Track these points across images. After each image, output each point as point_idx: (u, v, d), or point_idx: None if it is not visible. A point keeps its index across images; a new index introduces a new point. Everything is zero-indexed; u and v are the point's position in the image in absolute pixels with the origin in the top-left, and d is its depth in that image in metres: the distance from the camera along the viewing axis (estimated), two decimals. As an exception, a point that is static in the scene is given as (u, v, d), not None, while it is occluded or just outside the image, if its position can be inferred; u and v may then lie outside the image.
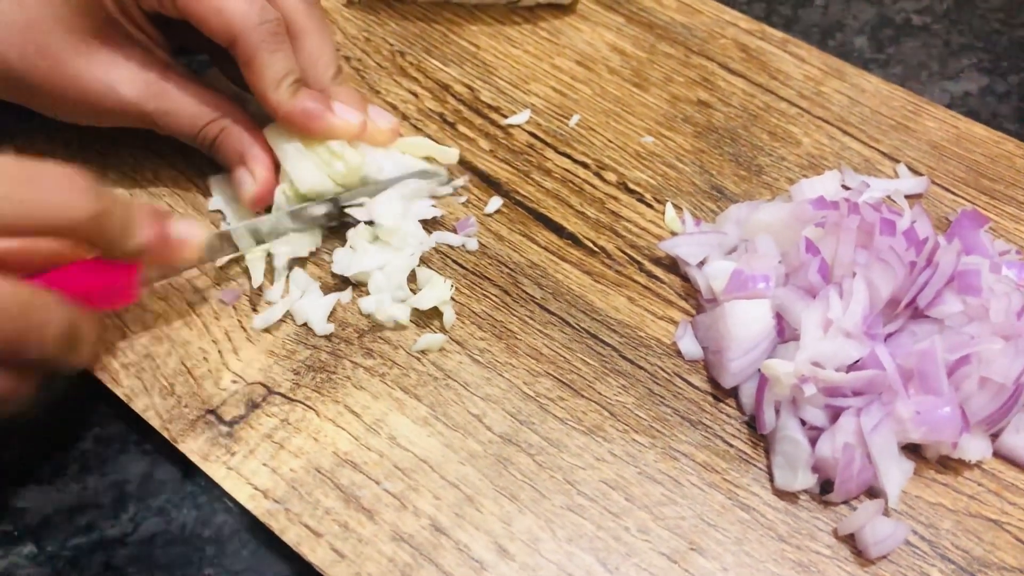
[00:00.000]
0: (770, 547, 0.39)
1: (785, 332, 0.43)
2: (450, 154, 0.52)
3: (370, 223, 0.47)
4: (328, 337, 0.45)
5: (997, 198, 0.53)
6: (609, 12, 0.62)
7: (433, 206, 0.49)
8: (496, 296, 0.47)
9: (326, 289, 0.47)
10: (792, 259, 0.44)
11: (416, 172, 0.49)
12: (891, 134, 0.56)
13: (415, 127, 0.54)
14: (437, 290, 0.45)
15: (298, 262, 0.47)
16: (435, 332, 0.45)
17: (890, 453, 0.40)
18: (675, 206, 0.51)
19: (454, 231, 0.49)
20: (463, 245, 0.49)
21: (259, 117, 0.48)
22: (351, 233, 0.47)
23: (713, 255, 0.47)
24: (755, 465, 0.42)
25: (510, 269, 0.48)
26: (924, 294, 0.42)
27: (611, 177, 0.53)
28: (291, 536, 0.38)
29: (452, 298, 0.46)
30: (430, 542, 0.39)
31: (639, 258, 0.49)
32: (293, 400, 0.43)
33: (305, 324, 0.45)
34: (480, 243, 0.49)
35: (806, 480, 0.40)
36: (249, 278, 0.46)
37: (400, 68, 0.58)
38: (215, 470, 0.40)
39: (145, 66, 0.46)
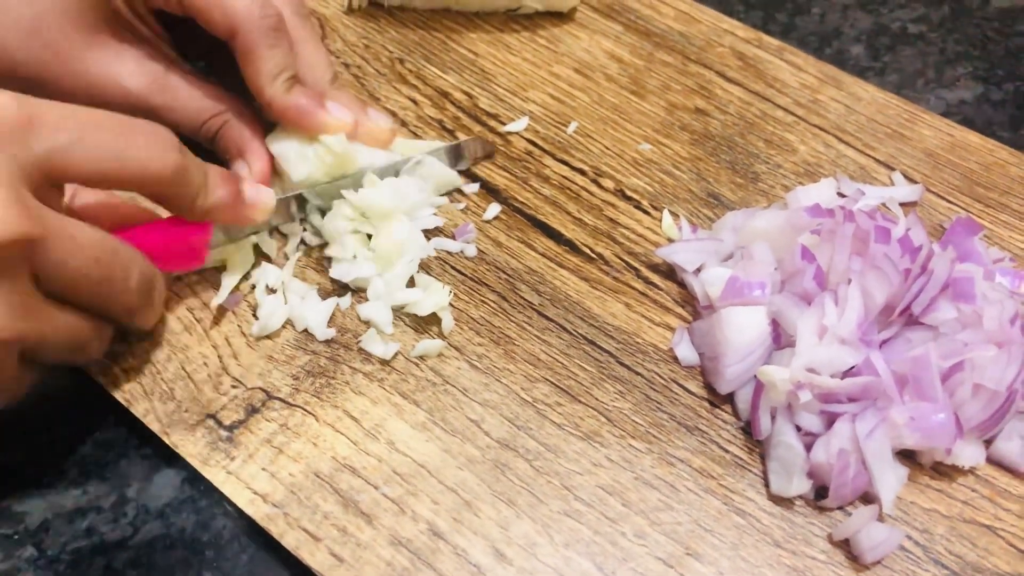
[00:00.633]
0: (765, 552, 0.40)
1: (781, 339, 0.43)
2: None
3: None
4: (327, 342, 0.45)
5: (991, 206, 0.53)
6: (607, 20, 0.62)
7: (434, 214, 0.50)
8: (494, 302, 0.47)
9: (324, 294, 0.47)
10: (788, 266, 0.45)
11: (435, 150, 0.51)
12: (887, 142, 0.56)
13: (414, 134, 0.55)
14: (436, 296, 0.46)
15: (296, 264, 0.48)
16: (433, 338, 0.45)
17: (885, 459, 0.40)
18: (672, 213, 0.52)
19: (453, 237, 0.50)
20: (462, 251, 0.49)
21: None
22: (348, 241, 0.47)
23: (709, 262, 0.48)
24: (751, 471, 0.42)
25: (508, 275, 0.48)
26: (919, 301, 0.42)
27: (609, 184, 0.53)
28: (290, 540, 0.39)
29: (450, 304, 0.46)
30: (428, 547, 0.39)
31: (636, 265, 0.49)
32: (292, 405, 0.43)
33: (305, 330, 0.45)
34: (478, 249, 0.49)
35: (801, 486, 0.40)
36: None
37: (399, 75, 0.58)
38: (215, 474, 0.40)
39: (150, 60, 0.47)
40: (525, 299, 0.47)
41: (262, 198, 0.44)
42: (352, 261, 0.47)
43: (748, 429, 0.43)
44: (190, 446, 0.41)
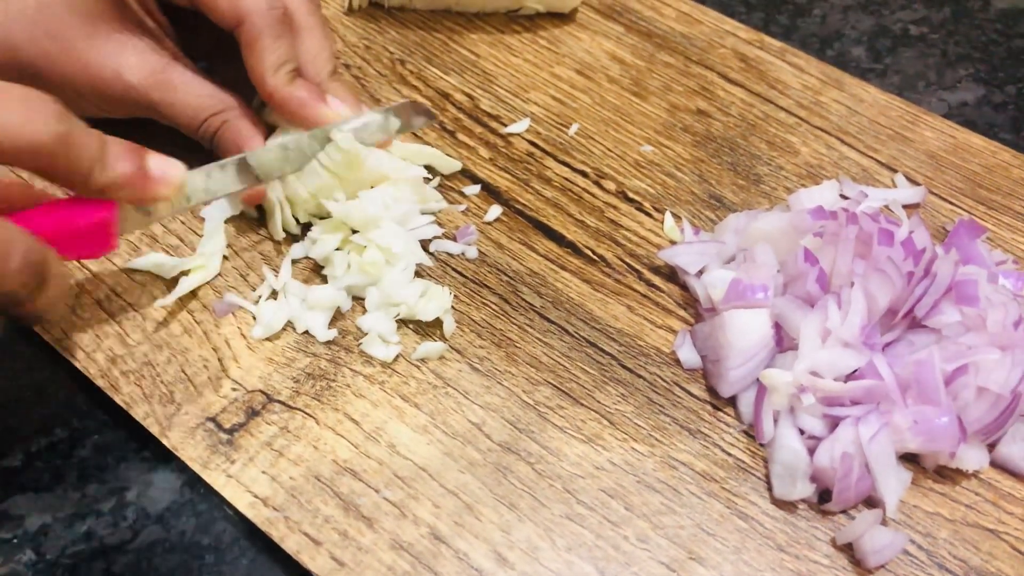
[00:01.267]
0: (768, 556, 0.39)
1: (783, 342, 0.43)
2: (451, 164, 0.52)
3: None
4: (328, 345, 0.45)
5: (994, 208, 0.53)
6: (608, 21, 0.62)
7: (432, 223, 0.49)
8: (496, 304, 0.47)
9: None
10: (790, 269, 0.44)
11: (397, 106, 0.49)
12: (889, 144, 0.56)
13: (415, 135, 0.54)
14: (438, 300, 0.45)
15: (295, 268, 0.48)
16: (435, 340, 0.45)
17: (888, 462, 0.40)
18: (674, 215, 0.51)
19: (454, 239, 0.49)
20: (463, 253, 0.49)
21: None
22: (338, 259, 0.47)
23: (712, 264, 0.47)
24: (753, 474, 0.42)
25: (509, 277, 0.48)
26: (922, 304, 0.42)
27: (610, 186, 0.53)
28: (291, 544, 0.39)
29: (452, 306, 0.46)
30: (429, 550, 0.39)
31: (638, 267, 0.49)
32: (293, 408, 0.43)
33: (305, 332, 0.45)
34: (480, 251, 0.49)
35: (804, 489, 0.40)
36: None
37: (400, 76, 0.58)
38: (215, 478, 0.40)
39: (153, 55, 0.46)
40: (527, 301, 0.47)
41: (170, 172, 0.40)
42: (347, 273, 0.46)
43: (751, 432, 0.43)
44: (190, 449, 0.41)
